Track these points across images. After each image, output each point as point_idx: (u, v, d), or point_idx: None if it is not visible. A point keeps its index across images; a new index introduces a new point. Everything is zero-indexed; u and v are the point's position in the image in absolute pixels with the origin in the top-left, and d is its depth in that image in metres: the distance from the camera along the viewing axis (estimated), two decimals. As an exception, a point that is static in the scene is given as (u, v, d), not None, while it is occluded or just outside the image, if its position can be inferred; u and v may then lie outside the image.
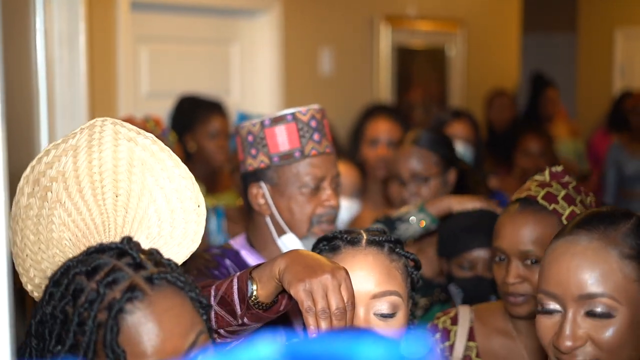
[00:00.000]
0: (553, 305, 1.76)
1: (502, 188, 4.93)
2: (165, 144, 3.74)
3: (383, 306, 1.93)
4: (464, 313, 2.48)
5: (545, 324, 1.77)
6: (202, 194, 4.45)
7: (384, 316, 1.93)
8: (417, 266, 2.05)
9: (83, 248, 1.75)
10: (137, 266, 1.55)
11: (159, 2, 5.19)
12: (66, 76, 4.05)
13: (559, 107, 8.17)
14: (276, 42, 5.86)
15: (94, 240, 1.80)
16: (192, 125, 4.69)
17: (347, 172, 4.05)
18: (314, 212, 2.52)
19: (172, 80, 5.38)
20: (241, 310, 1.87)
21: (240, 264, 2.51)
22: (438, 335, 2.45)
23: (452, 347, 2.43)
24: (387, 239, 2.01)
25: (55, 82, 3.98)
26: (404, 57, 7.19)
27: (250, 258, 2.55)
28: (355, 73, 6.71)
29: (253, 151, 2.53)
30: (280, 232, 2.55)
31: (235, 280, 1.89)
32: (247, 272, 1.90)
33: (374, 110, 4.72)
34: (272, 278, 1.83)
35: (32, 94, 2.85)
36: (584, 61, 10.59)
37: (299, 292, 1.75)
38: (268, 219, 2.56)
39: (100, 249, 1.58)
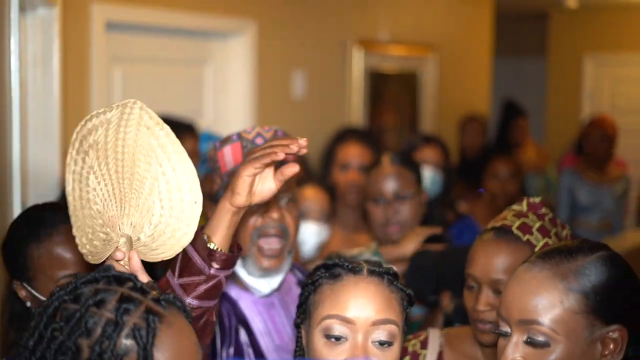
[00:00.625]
0: (504, 328, 1.85)
1: (471, 212, 4.98)
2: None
3: (382, 334, 1.97)
4: (434, 337, 2.50)
5: (501, 346, 1.86)
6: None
7: (381, 344, 1.97)
8: (411, 302, 2.09)
9: (105, 219, 1.82)
10: (142, 291, 1.57)
11: (133, 23, 5.20)
12: (39, 96, 4.05)
13: (528, 135, 8.26)
14: (249, 64, 5.88)
15: (112, 213, 1.83)
16: (164, 146, 4.69)
17: (316, 197, 4.07)
18: (254, 225, 2.51)
19: (145, 100, 5.28)
20: (205, 261, 1.99)
21: None
22: (407, 359, 2.47)
23: None
24: (387, 271, 2.05)
25: (29, 102, 3.98)
26: (377, 81, 7.24)
27: None
28: (327, 96, 6.74)
29: (215, 176, 2.57)
30: None
31: (189, 248, 1.99)
32: (200, 234, 2.00)
33: (345, 134, 4.74)
34: (224, 215, 2.00)
35: (5, 115, 2.85)
36: (553, 87, 10.70)
37: (246, 167, 1.96)
38: None
39: (93, 279, 1.59)
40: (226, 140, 2.52)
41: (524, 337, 1.81)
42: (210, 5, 5.68)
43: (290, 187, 2.55)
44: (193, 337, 1.62)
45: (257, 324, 2.50)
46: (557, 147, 9.61)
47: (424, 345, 2.48)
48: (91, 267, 2.32)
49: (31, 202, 3.60)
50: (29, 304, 2.34)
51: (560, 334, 1.78)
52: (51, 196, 3.83)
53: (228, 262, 2.03)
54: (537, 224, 2.37)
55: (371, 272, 2.03)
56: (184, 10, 5.47)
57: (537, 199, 2.45)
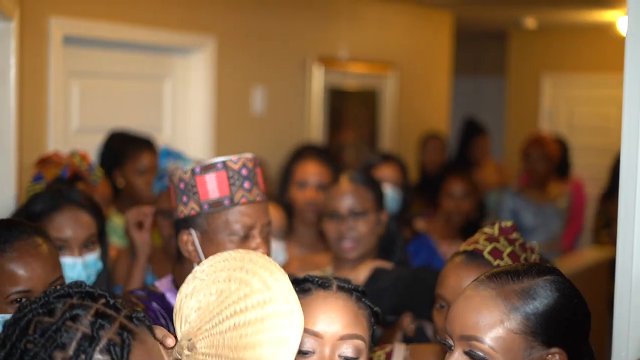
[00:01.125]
0: (450, 342, 1.90)
1: (429, 230, 5.01)
2: (90, 179, 3.72)
3: (348, 349, 2.00)
4: (399, 350, 2.53)
5: (446, 359, 1.90)
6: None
7: (347, 359, 1.99)
8: (378, 320, 2.12)
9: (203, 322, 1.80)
10: (115, 308, 1.58)
11: (91, 37, 5.17)
12: (-5, 110, 4.01)
13: (488, 153, 8.32)
14: (209, 80, 5.88)
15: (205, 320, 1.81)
16: (121, 160, 4.68)
17: (273, 214, 4.06)
18: None
19: (103, 115, 5.36)
20: None
21: (166, 307, 2.51)
22: None
23: None
24: (355, 288, 2.09)
25: (-16, 116, 3.93)
26: (336, 98, 7.27)
27: (174, 301, 2.54)
28: (287, 113, 6.76)
29: (184, 198, 2.55)
30: None
31: None
32: None
33: (304, 152, 4.75)
34: None
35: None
36: (512, 105, 10.80)
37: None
38: (196, 265, 2.57)
39: (66, 294, 1.59)
40: (209, 167, 2.51)
41: (464, 351, 1.85)
42: (170, 20, 5.68)
43: (267, 216, 2.58)
44: (162, 356, 1.66)
45: None
46: (516, 164, 9.69)
47: (389, 357, 2.51)
48: (45, 285, 2.32)
49: (-15, 217, 3.56)
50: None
51: (498, 352, 1.82)
52: (5, 213, 3.79)
53: None
54: (508, 249, 2.42)
55: (340, 288, 2.07)
56: (143, 26, 5.46)
57: (508, 223, 2.50)
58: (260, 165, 2.63)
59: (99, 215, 3.08)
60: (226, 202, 2.51)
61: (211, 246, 2.52)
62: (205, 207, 2.52)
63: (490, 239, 2.44)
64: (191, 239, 2.56)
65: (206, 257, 2.49)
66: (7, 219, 2.58)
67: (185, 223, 2.57)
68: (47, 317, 1.54)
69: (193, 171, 2.53)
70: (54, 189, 3.16)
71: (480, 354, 1.83)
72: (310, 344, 1.99)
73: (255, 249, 2.52)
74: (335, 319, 2.01)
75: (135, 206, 4.56)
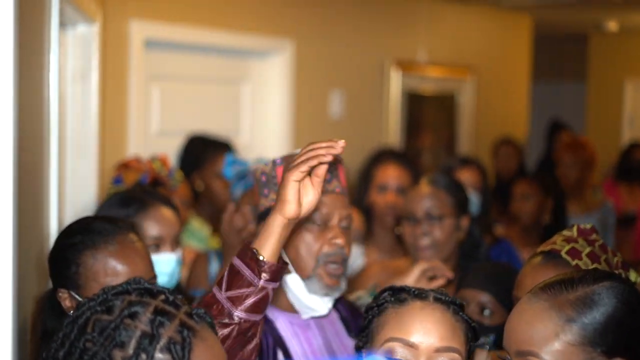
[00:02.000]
0: (508, 358, 1.83)
1: (507, 236, 4.92)
2: (170, 184, 3.75)
3: None
4: (481, 356, 2.49)
5: None
6: (208, 234, 4.45)
7: None
8: (476, 336, 2.06)
9: None
10: (175, 304, 1.56)
11: (172, 41, 5.22)
12: (78, 113, 4.06)
13: (588, 151, 8.02)
14: (287, 83, 5.88)
15: None
16: (200, 164, 4.70)
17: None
18: (320, 250, 2.47)
19: (183, 119, 5.40)
20: (255, 272, 1.99)
21: None
22: None
23: None
24: (453, 300, 2.04)
25: (67, 118, 3.99)
26: (414, 102, 7.22)
27: None
28: (365, 116, 6.73)
29: (265, 191, 2.53)
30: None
31: (233, 261, 2.02)
32: (244, 248, 2.02)
33: (383, 155, 4.69)
34: (275, 228, 2.00)
35: (43, 130, 2.86)
36: (593, 111, 10.61)
37: (291, 173, 1.98)
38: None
39: (124, 291, 1.57)
40: (289, 157, 2.48)
41: None
42: (249, 24, 5.70)
43: (347, 209, 2.53)
44: (223, 353, 1.62)
45: (294, 345, 2.46)
46: (597, 172, 9.51)
47: None
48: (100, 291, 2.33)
49: (68, 218, 3.61)
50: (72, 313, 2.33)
51: None
52: (88, 213, 3.84)
53: (276, 274, 2.02)
54: (587, 250, 2.33)
55: (437, 300, 2.01)
56: (222, 29, 5.49)
57: (588, 226, 2.42)
58: (342, 163, 2.58)
59: (180, 216, 3.11)
60: None
61: (295, 237, 2.48)
62: None
63: (569, 239, 2.36)
64: None
65: (285, 248, 2.48)
66: (104, 215, 2.61)
67: (266, 215, 2.56)
68: (105, 315, 1.52)
69: (274, 162, 2.51)
70: (137, 190, 3.19)
71: None
72: (404, 354, 1.95)
73: (332, 238, 2.47)
74: (432, 330, 1.96)
75: (214, 210, 4.59)
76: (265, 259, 1.99)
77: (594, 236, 2.39)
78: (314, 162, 1.96)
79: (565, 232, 2.42)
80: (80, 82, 4.07)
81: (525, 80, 8.85)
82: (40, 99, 2.77)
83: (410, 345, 1.94)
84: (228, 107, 5.78)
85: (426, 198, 3.42)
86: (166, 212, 3.00)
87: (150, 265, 2.43)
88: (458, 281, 3.08)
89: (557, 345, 1.75)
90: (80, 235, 2.36)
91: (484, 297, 2.88)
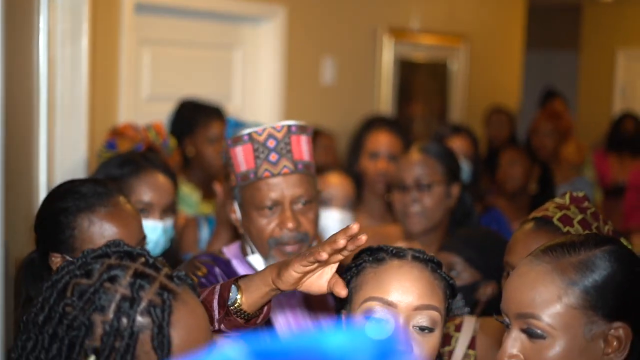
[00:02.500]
0: (506, 320, 1.83)
1: (495, 205, 4.92)
2: (164, 151, 3.74)
3: (423, 319, 1.95)
4: (469, 322, 2.50)
5: (504, 339, 1.83)
6: (198, 200, 4.44)
7: (422, 329, 1.95)
8: (454, 293, 2.07)
9: None
10: (154, 267, 1.55)
11: (163, 5, 5.19)
12: (68, 76, 4.04)
13: (567, 120, 8.04)
14: (279, 49, 5.86)
15: None
16: (191, 129, 4.68)
17: (340, 184, 4.03)
18: (271, 234, 2.47)
19: (174, 84, 5.38)
20: (219, 315, 1.93)
21: (231, 273, 2.49)
22: None
23: (451, 352, 2.45)
24: (430, 258, 2.04)
25: (57, 81, 3.97)
26: (406, 70, 7.20)
27: (241, 268, 2.53)
28: (356, 84, 6.71)
29: (229, 170, 2.54)
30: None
31: (217, 288, 1.96)
32: (233, 281, 1.95)
33: (375, 122, 4.69)
34: (264, 285, 1.91)
35: (33, 93, 2.84)
36: (585, 80, 10.60)
37: (298, 264, 1.86)
38: (245, 235, 2.56)
39: (104, 254, 1.56)
40: (237, 140, 2.47)
41: (521, 329, 1.78)
42: (241, -11, 5.66)
43: (302, 188, 2.49)
44: (205, 316, 1.60)
45: (276, 314, 2.47)
46: (588, 140, 9.53)
47: (458, 328, 2.49)
48: (137, 241, 2.33)
49: (57, 180, 3.59)
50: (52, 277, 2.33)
51: (557, 329, 1.74)
52: (77, 175, 3.83)
53: (237, 328, 1.97)
54: (579, 217, 2.34)
55: (415, 258, 2.01)
56: (214, -6, 5.45)
57: (580, 193, 2.43)
58: (305, 133, 2.52)
59: (176, 183, 3.11)
60: (251, 175, 2.46)
61: (246, 219, 2.49)
62: (239, 179, 2.49)
63: (561, 207, 2.37)
64: (234, 209, 2.55)
65: (246, 230, 2.50)
66: (92, 178, 2.60)
67: (232, 193, 2.56)
68: (84, 279, 1.50)
69: (227, 143, 2.50)
70: (137, 154, 3.18)
71: (538, 331, 1.75)
72: (383, 313, 1.95)
73: (280, 223, 2.45)
74: (410, 288, 1.96)
75: (205, 176, 4.58)
76: (238, 305, 1.94)
77: (586, 204, 2.40)
78: (312, 259, 1.86)
79: (558, 200, 2.43)
80: (70, 46, 4.05)
81: (518, 49, 8.83)
82: (29, 61, 2.76)
83: (389, 304, 1.95)
84: (219, 72, 5.76)
85: (416, 166, 3.42)
86: (160, 179, 3.00)
87: (141, 226, 2.43)
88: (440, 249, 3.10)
89: (558, 307, 1.75)
90: (71, 200, 2.35)
91: (453, 259, 2.93)
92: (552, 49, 11.52)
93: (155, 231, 2.92)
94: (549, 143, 6.55)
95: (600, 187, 7.43)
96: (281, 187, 2.45)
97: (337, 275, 1.93)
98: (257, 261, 2.52)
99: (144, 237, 2.43)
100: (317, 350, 0.79)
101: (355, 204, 4.18)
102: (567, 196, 2.41)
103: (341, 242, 1.80)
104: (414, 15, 7.22)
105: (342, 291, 1.88)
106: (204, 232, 3.63)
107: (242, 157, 2.46)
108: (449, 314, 2.07)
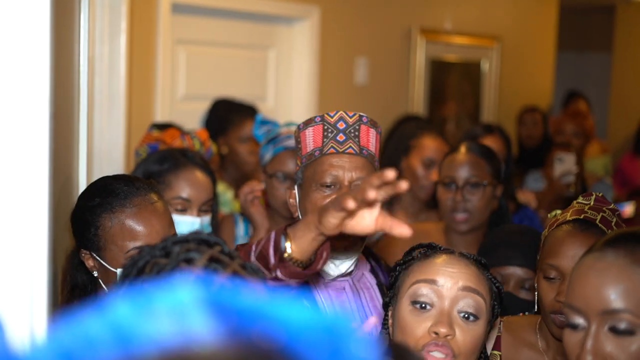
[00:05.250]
0: (578, 320, 1.77)
1: (534, 200, 4.92)
2: (207, 158, 3.76)
3: (468, 304, 1.96)
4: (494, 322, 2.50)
5: (573, 339, 1.78)
6: (231, 198, 4.48)
7: (467, 316, 1.96)
8: (500, 297, 2.07)
9: None
10: (230, 255, 1.60)
11: (199, 6, 5.24)
12: (106, 74, 4.10)
13: (590, 121, 8.02)
14: (313, 49, 5.89)
15: None
16: (225, 128, 4.73)
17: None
18: None
19: (209, 83, 5.43)
20: (274, 261, 1.95)
21: None
22: None
23: None
24: (478, 259, 2.07)
25: (95, 79, 4.03)
26: (439, 70, 7.20)
27: None
28: (390, 84, 6.73)
29: (296, 156, 2.56)
30: None
31: (272, 234, 1.98)
32: (282, 228, 1.98)
33: (425, 126, 4.65)
34: (309, 232, 1.92)
35: (74, 91, 2.89)
36: (618, 82, 10.53)
37: (344, 199, 1.81)
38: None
39: (184, 240, 1.61)
40: (309, 122, 2.47)
41: (605, 327, 1.73)
42: (275, -11, 5.70)
43: (363, 171, 2.45)
44: None
45: (326, 308, 2.47)
46: (621, 142, 9.48)
47: None
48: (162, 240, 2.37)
49: (95, 178, 3.64)
50: (96, 273, 2.38)
51: None
52: (114, 172, 3.88)
53: (295, 275, 1.98)
54: (614, 220, 2.38)
55: (463, 255, 2.05)
56: (249, -6, 5.50)
57: (600, 194, 2.46)
58: (375, 128, 2.51)
59: (214, 181, 3.14)
60: (317, 153, 2.45)
61: (305, 200, 2.45)
62: (304, 160, 2.48)
63: (596, 209, 2.39)
64: (294, 193, 2.52)
65: (302, 211, 2.48)
66: (123, 175, 2.63)
67: (293, 179, 2.58)
68: (163, 259, 1.56)
69: (298, 128, 2.51)
70: (177, 150, 3.21)
71: (628, 327, 1.71)
72: (429, 294, 1.97)
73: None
74: (457, 273, 1.99)
75: (239, 174, 4.62)
76: (289, 254, 1.96)
77: (612, 205, 2.43)
78: (342, 212, 1.85)
79: (583, 200, 2.44)
80: (109, 44, 4.10)
81: (550, 49, 8.80)
82: (71, 60, 2.81)
83: (435, 284, 1.97)
84: (254, 72, 5.80)
85: (468, 165, 3.41)
86: (199, 176, 3.03)
87: (169, 223, 2.42)
88: (481, 248, 3.09)
89: None
90: (99, 198, 2.38)
91: (524, 273, 2.90)
92: (585, 50, 11.46)
93: (192, 227, 2.95)
94: (576, 143, 6.53)
95: (627, 189, 7.39)
96: (343, 166, 2.41)
97: (384, 214, 1.89)
98: None
99: (174, 234, 2.44)
100: (275, 317, 0.75)
101: (390, 201, 4.18)
102: (594, 198, 2.43)
103: (371, 194, 1.76)
104: (447, 15, 7.23)
105: (402, 230, 1.84)
106: (240, 229, 3.66)
107: (311, 137, 2.45)
108: (495, 317, 2.08)
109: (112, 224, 2.34)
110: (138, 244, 2.33)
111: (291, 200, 2.55)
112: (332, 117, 2.47)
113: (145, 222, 2.35)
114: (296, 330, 0.75)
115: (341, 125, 2.46)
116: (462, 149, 3.50)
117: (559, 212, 2.55)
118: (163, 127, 3.85)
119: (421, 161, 4.27)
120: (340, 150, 2.43)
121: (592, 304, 1.75)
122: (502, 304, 2.09)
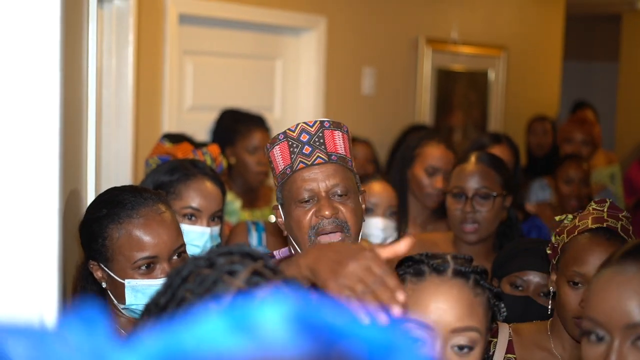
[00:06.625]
0: (600, 333, 1.74)
1: (538, 213, 4.92)
2: (219, 175, 3.77)
3: (462, 339, 1.92)
4: (503, 328, 2.50)
5: (594, 352, 1.74)
6: (239, 207, 4.49)
7: (461, 348, 1.93)
8: (500, 299, 2.04)
9: None
10: (273, 270, 1.61)
11: (206, 17, 5.25)
12: (113, 85, 4.12)
13: (597, 130, 8.01)
14: (320, 60, 5.90)
15: None
16: (232, 139, 4.74)
17: (384, 191, 4.03)
18: (309, 224, 2.44)
19: (216, 94, 5.44)
20: None
21: None
22: None
23: (491, 357, 2.45)
24: (474, 269, 1.99)
25: (103, 91, 4.04)
26: (445, 80, 7.21)
27: None
28: (396, 94, 6.74)
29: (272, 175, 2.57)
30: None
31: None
32: (277, 262, 1.98)
33: (431, 135, 4.64)
34: (300, 277, 1.90)
35: (83, 102, 2.90)
36: (624, 91, 10.52)
37: (335, 290, 1.79)
38: (289, 237, 2.56)
39: (229, 252, 1.63)
40: (274, 141, 2.49)
41: (629, 341, 1.70)
42: (282, 1, 5.72)
43: (337, 177, 2.47)
44: None
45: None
46: (628, 152, 9.46)
47: (494, 334, 2.47)
48: (170, 251, 2.37)
49: (103, 189, 3.65)
50: (104, 284, 2.38)
51: None
52: (122, 183, 3.89)
53: None
54: (631, 228, 2.40)
55: (456, 273, 1.96)
56: (256, 5, 5.51)
57: (608, 202, 2.47)
58: (340, 129, 2.51)
59: (224, 191, 3.14)
60: (288, 171, 2.47)
61: (289, 217, 2.48)
62: (279, 180, 2.50)
63: (614, 216, 2.40)
64: (279, 212, 2.55)
65: (287, 230, 2.50)
66: (131, 186, 2.63)
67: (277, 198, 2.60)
68: (207, 270, 1.58)
69: (266, 147, 2.52)
70: (187, 161, 3.22)
71: None
72: (420, 335, 1.91)
73: (316, 212, 2.43)
74: (448, 310, 1.92)
75: (246, 184, 4.62)
76: None
77: (625, 213, 2.43)
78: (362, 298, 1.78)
79: (598, 207, 2.44)
80: (116, 56, 4.12)
81: (557, 59, 8.81)
82: (80, 72, 2.82)
83: (426, 327, 1.91)
84: (260, 83, 5.81)
85: (477, 176, 3.39)
86: (209, 186, 3.04)
87: (177, 234, 2.42)
88: (500, 257, 3.08)
89: None
90: (106, 209, 2.38)
91: (543, 279, 2.88)
92: (592, 59, 11.45)
93: (202, 237, 2.96)
94: (585, 152, 6.53)
95: (635, 198, 7.39)
96: (316, 178, 2.44)
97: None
98: None
99: (181, 245, 2.44)
100: (357, 335, 0.77)
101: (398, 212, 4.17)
102: (607, 205, 2.44)
103: (396, 310, 1.73)
104: (453, 25, 7.24)
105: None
106: (254, 238, 3.67)
107: (279, 156, 2.48)
108: (494, 322, 2.05)
109: (120, 234, 2.34)
110: (145, 254, 2.33)
111: (279, 219, 2.57)
112: (294, 132, 2.48)
113: (152, 233, 2.35)
114: (377, 350, 0.77)
115: (304, 138, 2.47)
116: (472, 159, 3.47)
117: (570, 216, 2.55)
118: (175, 138, 3.85)
119: (424, 170, 4.27)
120: (309, 163, 2.45)
121: (614, 318, 1.71)
122: (501, 300, 2.06)
